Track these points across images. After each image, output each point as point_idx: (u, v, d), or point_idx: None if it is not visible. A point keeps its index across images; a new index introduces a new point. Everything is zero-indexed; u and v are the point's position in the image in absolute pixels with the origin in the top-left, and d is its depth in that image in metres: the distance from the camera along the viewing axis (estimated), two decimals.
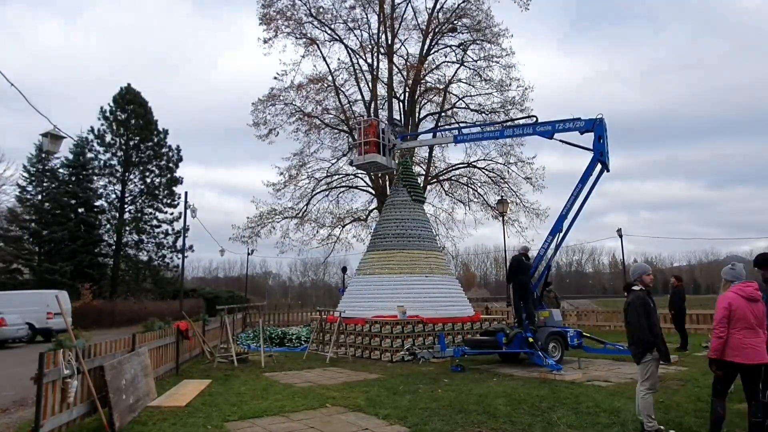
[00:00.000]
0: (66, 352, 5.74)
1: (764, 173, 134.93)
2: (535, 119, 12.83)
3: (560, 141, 11.92)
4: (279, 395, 8.06)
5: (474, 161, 27.31)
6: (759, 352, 5.04)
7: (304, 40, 26.13)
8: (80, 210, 35.73)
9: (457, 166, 27.86)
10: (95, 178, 37.29)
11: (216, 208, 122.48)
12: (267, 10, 25.57)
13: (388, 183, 24.95)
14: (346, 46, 26.42)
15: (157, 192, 38.71)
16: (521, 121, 13.02)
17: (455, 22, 26.24)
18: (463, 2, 26.17)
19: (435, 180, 27.75)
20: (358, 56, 26.58)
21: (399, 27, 27.01)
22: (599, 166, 11.23)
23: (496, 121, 16.64)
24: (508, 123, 12.84)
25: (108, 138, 37.57)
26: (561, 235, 11.43)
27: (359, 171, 27.81)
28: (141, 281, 38.37)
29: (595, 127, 11.22)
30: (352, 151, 16.67)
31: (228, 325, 12.43)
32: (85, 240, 34.64)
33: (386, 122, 16.66)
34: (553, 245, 11.43)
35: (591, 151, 11.27)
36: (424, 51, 26.63)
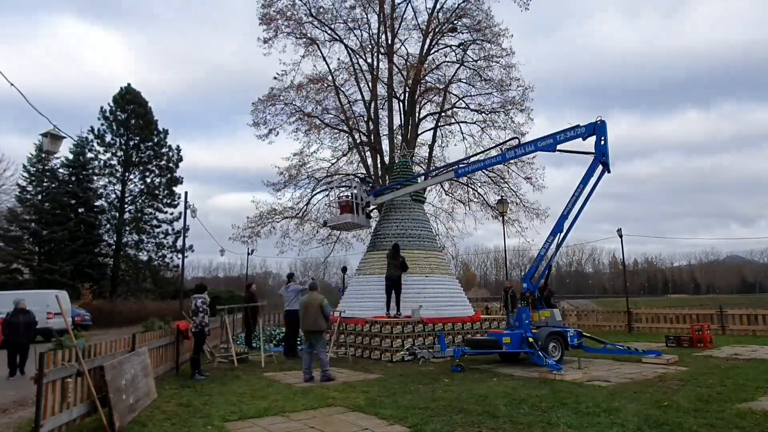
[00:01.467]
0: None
1: None
2: (517, 141, 12.90)
3: (562, 151, 11.91)
4: (279, 395, 8.05)
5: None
6: None
7: (304, 40, 26.13)
8: (80, 210, 35.74)
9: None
10: (95, 178, 37.36)
11: None
12: (267, 10, 25.56)
13: (388, 183, 24.99)
14: (346, 46, 26.43)
15: (157, 192, 38.74)
16: (515, 142, 12.74)
17: (455, 22, 26.24)
18: (463, 2, 26.18)
19: None
20: (358, 56, 26.58)
21: (399, 27, 27.01)
22: (600, 168, 11.28)
23: (495, 145, 16.01)
24: (509, 146, 12.71)
25: (108, 138, 37.63)
26: (561, 235, 11.46)
27: (359, 171, 27.97)
28: (141, 281, 38.40)
29: (597, 129, 11.25)
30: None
31: (228, 325, 12.44)
32: (85, 240, 34.65)
33: (358, 181, 17.08)
34: (553, 245, 11.46)
35: (592, 154, 11.30)
36: (424, 51, 26.63)
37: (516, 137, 12.03)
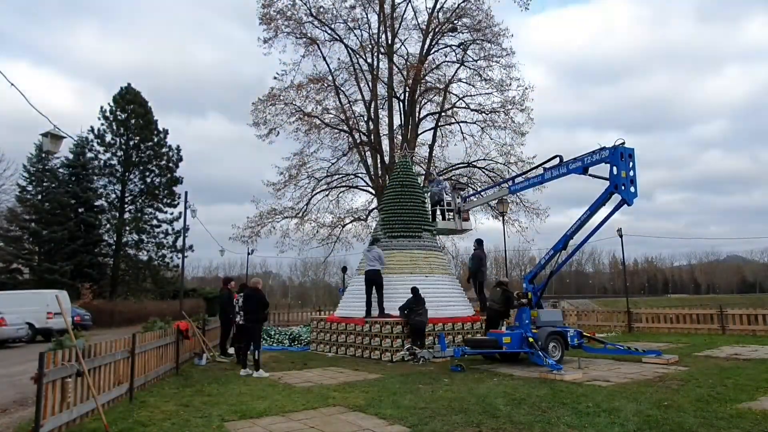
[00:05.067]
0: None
1: None
2: (559, 159, 11.61)
3: (593, 176, 10.93)
4: (279, 395, 8.05)
5: (474, 161, 27.34)
6: None
7: (304, 39, 26.18)
8: (80, 210, 35.75)
9: (457, 166, 27.85)
10: (95, 178, 37.35)
11: None
12: (267, 10, 25.62)
13: (388, 182, 25.00)
14: (347, 46, 26.45)
15: (157, 192, 38.73)
16: (552, 162, 11.87)
17: (455, 21, 26.28)
18: (463, 2, 26.22)
19: None
20: (358, 56, 26.61)
21: (399, 27, 27.06)
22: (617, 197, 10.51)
23: (540, 163, 15.15)
24: (547, 166, 11.88)
25: (108, 138, 37.61)
26: (564, 254, 11.53)
27: (359, 171, 28.00)
28: (141, 281, 38.39)
29: (613, 155, 10.21)
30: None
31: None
32: (85, 240, 34.66)
33: (447, 185, 17.14)
34: (554, 260, 11.50)
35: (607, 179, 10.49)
36: (424, 51, 26.67)
37: (559, 155, 11.34)
